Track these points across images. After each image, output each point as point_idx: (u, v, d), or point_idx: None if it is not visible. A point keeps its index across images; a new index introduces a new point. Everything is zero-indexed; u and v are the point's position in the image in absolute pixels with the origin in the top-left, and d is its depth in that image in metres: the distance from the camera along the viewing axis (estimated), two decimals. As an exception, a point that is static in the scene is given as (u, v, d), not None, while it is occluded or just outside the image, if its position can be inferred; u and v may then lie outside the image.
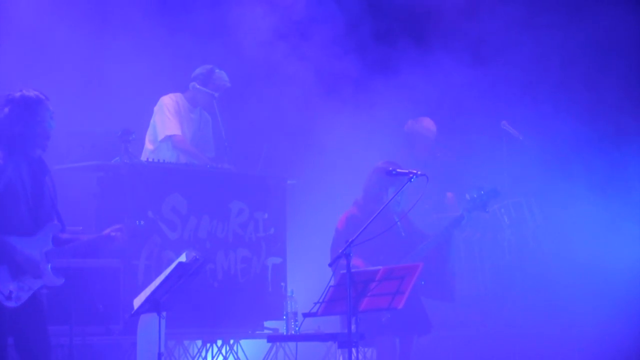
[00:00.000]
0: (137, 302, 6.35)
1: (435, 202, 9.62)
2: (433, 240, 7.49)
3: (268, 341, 7.74)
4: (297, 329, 7.79)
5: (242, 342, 8.57)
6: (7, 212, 5.93)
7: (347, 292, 6.03)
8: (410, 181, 6.77)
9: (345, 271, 6.08)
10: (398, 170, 6.95)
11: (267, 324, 8.67)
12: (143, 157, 8.63)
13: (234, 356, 8.41)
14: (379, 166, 7.52)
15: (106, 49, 9.45)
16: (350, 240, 6.19)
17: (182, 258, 6.27)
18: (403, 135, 10.05)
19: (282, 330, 8.22)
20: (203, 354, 8.37)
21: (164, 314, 6.36)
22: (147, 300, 6.26)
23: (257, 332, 8.60)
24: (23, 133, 5.95)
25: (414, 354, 7.66)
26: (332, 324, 7.82)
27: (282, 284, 8.63)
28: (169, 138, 8.76)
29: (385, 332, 7.33)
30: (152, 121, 8.95)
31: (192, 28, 9.83)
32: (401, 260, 7.26)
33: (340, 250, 6.15)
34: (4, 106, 5.97)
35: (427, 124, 9.97)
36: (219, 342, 8.41)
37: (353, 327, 6.07)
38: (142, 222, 6.71)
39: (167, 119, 8.79)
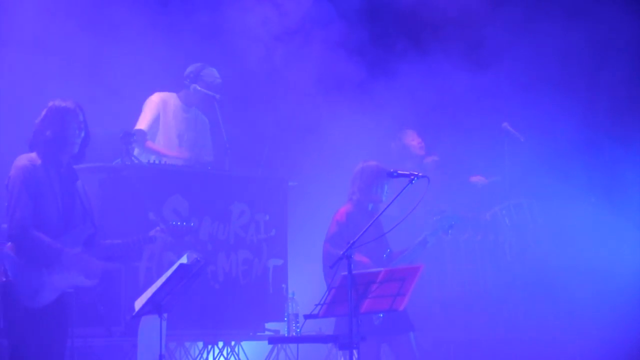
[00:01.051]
0: (139, 303, 6.36)
1: (433, 207, 9.61)
2: (400, 260, 7.51)
3: (269, 343, 7.74)
4: (298, 330, 7.79)
5: (243, 343, 8.58)
6: (37, 212, 6.09)
7: (348, 294, 6.03)
8: (412, 183, 6.78)
9: (345, 272, 6.09)
10: (399, 171, 6.97)
11: (268, 325, 8.67)
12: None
13: (235, 358, 8.41)
14: (372, 165, 7.59)
15: (108, 51, 9.45)
16: (351, 242, 6.20)
17: (184, 260, 6.28)
18: (393, 152, 10.07)
19: (283, 331, 8.22)
20: (204, 355, 8.37)
21: (165, 315, 6.36)
22: (149, 301, 6.27)
23: (259, 333, 8.60)
24: (51, 138, 6.24)
25: (419, 354, 7.60)
26: (333, 325, 7.82)
27: (283, 285, 8.63)
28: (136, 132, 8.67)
29: (367, 336, 7.27)
30: None
31: (193, 30, 9.84)
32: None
33: (342, 252, 6.17)
34: (42, 111, 6.35)
35: (411, 136, 10.03)
36: (220, 344, 8.42)
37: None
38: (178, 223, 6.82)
39: (141, 115, 8.79)
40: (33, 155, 6.26)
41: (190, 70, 8.99)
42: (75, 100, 6.40)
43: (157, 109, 8.85)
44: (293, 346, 8.40)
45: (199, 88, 8.92)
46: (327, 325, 8.17)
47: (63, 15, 9.08)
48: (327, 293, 6.19)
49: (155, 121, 8.81)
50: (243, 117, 10.01)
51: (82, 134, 6.33)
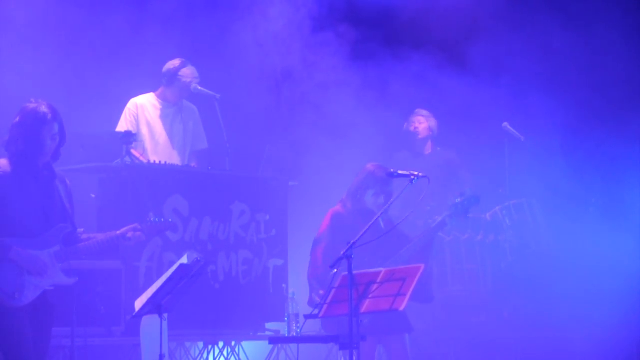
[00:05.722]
0: (139, 303, 6.36)
1: (439, 204, 9.59)
2: (416, 244, 7.39)
3: (269, 343, 7.74)
4: (298, 330, 7.79)
5: (244, 343, 8.58)
6: (10, 216, 6.01)
7: (349, 294, 6.03)
8: (412, 183, 6.77)
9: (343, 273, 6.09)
10: (399, 172, 6.96)
11: (268, 325, 8.68)
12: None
13: (235, 358, 8.42)
14: (368, 167, 7.54)
15: (108, 51, 9.46)
16: (352, 242, 6.20)
17: (184, 260, 6.28)
18: (403, 135, 10.07)
19: (284, 331, 8.22)
20: (205, 355, 8.38)
21: (166, 315, 6.36)
22: (149, 302, 6.27)
23: (259, 333, 8.61)
24: (24, 147, 6.08)
25: (412, 356, 7.60)
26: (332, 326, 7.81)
27: (284, 285, 8.63)
28: None
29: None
30: None
31: (194, 31, 9.85)
32: (384, 263, 7.20)
33: (342, 252, 6.17)
34: (16, 115, 6.15)
35: (423, 118, 10.01)
36: (221, 344, 8.42)
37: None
38: (156, 219, 6.63)
39: (118, 125, 8.77)
40: (3, 162, 6.11)
41: (168, 68, 8.92)
42: (51, 104, 6.15)
43: (131, 116, 8.80)
44: (293, 346, 8.40)
45: (200, 88, 8.92)
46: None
47: (64, 15, 9.09)
48: (327, 293, 6.20)
49: (133, 128, 8.75)
50: (244, 117, 10.01)
51: (57, 141, 6.15)
